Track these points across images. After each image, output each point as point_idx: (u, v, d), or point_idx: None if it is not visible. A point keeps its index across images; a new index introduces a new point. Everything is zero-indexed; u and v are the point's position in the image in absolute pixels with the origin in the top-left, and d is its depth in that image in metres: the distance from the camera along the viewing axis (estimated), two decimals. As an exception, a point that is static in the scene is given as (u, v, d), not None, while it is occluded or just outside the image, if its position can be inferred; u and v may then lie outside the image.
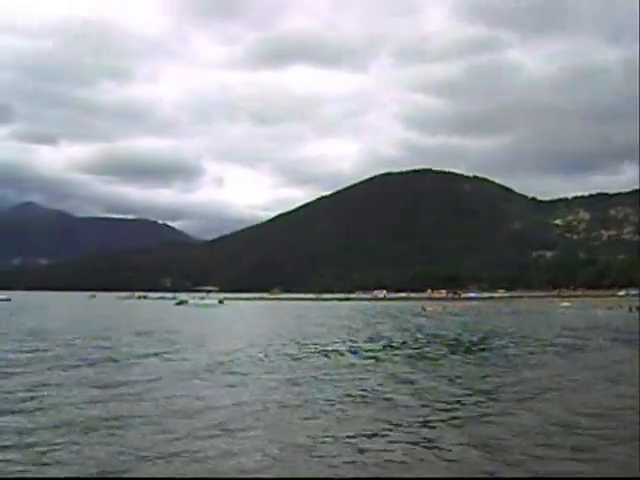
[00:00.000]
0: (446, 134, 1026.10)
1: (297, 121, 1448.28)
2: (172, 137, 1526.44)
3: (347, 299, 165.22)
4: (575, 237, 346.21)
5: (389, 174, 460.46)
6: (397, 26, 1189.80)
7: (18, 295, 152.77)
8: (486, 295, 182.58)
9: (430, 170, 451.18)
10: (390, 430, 12.10)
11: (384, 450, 10.73)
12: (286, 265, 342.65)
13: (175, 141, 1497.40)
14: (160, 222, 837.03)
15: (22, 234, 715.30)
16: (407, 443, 11.16)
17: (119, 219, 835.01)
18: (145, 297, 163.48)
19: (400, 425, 12.53)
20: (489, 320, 57.82)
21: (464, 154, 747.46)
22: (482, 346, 30.29)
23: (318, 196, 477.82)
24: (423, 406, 14.64)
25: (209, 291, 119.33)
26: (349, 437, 11.47)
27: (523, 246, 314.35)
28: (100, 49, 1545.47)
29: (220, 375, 19.48)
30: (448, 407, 14.48)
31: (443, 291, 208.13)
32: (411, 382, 18.15)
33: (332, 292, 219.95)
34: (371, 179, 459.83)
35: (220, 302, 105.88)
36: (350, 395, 15.89)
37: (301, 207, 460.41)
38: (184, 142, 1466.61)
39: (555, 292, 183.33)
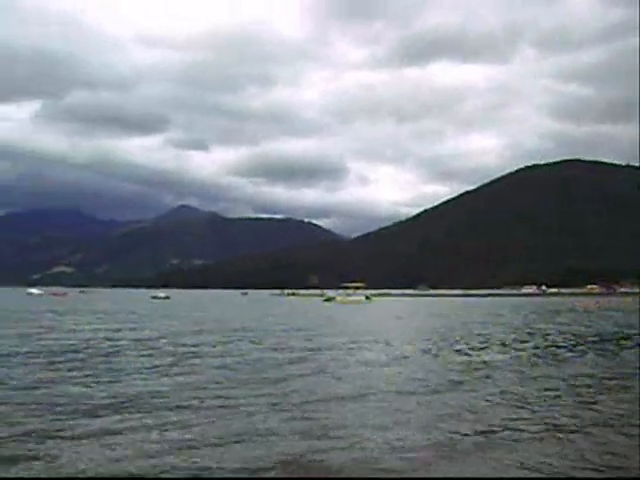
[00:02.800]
0: (593, 122, 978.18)
1: (439, 117, 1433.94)
2: (316, 138, 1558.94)
3: (495, 295, 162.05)
4: None
5: (535, 166, 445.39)
6: (538, 15, 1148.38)
7: (175, 293, 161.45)
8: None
9: (579, 160, 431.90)
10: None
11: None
12: (432, 261, 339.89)
13: (319, 142, 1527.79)
14: (306, 221, 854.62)
15: (179, 236, 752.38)
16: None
17: (268, 219, 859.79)
18: (294, 294, 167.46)
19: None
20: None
21: (614, 142, 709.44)
22: None
23: (462, 191, 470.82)
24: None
25: (356, 288, 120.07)
26: None
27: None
28: (245, 57, 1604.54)
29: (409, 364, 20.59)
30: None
31: (595, 286, 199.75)
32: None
33: (479, 288, 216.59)
34: (516, 172, 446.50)
35: (367, 298, 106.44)
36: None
37: (445, 202, 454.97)
38: (328, 142, 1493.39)
39: None
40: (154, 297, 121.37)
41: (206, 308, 75.70)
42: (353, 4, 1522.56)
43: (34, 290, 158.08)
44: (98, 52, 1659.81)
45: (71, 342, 26.28)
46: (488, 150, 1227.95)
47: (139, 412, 12.34)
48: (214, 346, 25.52)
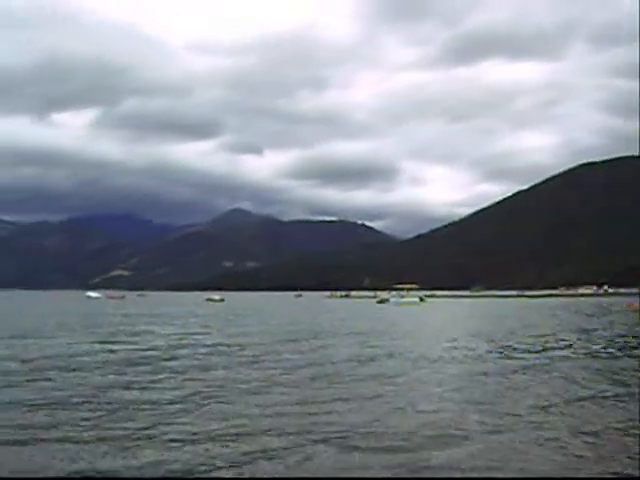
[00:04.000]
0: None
1: (491, 115, 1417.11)
2: (368, 139, 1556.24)
3: (551, 296, 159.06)
4: None
5: (590, 163, 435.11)
6: (590, 10, 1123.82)
7: (229, 296, 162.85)
8: None
9: (635, 157, 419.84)
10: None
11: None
12: (486, 262, 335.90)
13: (371, 143, 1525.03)
14: (359, 222, 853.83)
15: (232, 239, 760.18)
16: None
17: (321, 221, 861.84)
18: (347, 296, 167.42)
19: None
20: None
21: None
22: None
23: (515, 190, 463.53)
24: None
25: (409, 289, 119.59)
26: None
27: None
28: (297, 60, 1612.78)
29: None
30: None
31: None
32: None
33: (534, 289, 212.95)
34: (571, 170, 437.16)
35: (421, 300, 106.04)
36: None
37: (499, 202, 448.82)
38: (380, 144, 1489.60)
39: None
40: (208, 299, 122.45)
41: (271, 311, 75.28)
42: (402, 5, 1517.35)
43: (93, 293, 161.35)
44: (152, 60, 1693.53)
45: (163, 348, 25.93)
46: (541, 148, 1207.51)
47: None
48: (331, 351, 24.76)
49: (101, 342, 28.56)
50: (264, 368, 19.60)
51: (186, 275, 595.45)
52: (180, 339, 30.75)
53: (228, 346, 26.66)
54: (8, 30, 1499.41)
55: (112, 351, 24.59)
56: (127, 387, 15.97)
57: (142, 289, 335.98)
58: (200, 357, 22.70)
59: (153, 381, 17.01)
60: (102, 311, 67.00)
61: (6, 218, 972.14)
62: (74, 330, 36.76)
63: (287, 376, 17.92)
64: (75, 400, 14.16)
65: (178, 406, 13.59)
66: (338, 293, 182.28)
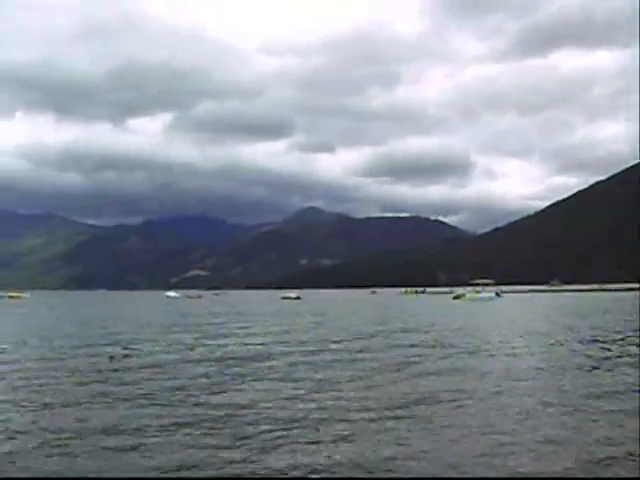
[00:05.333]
0: None
1: (565, 106, 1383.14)
2: (440, 134, 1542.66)
3: (632, 289, 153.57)
4: None
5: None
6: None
7: (304, 293, 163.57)
8: None
9: None
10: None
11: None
12: (563, 255, 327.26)
13: (443, 138, 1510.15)
14: (433, 218, 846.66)
15: (306, 237, 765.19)
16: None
17: (394, 217, 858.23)
18: (423, 292, 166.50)
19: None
20: None
21: None
22: None
23: (593, 182, 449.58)
24: None
25: (485, 284, 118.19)
26: None
27: None
28: (365, 58, 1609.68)
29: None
30: None
31: None
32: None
33: (614, 283, 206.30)
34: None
35: (497, 295, 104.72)
36: None
37: (575, 194, 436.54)
38: (452, 138, 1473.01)
39: None
40: (285, 297, 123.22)
41: (353, 308, 75.12)
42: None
43: (171, 293, 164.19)
44: (223, 64, 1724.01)
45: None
46: (619, 137, 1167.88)
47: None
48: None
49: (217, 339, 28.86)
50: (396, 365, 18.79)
51: (261, 273, 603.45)
52: (281, 335, 30.92)
53: (326, 342, 26.63)
54: (85, 39, 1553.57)
55: (231, 346, 24.86)
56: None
57: (220, 288, 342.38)
58: (308, 353, 22.33)
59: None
60: (192, 311, 67.70)
61: (90, 222, 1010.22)
62: (189, 330, 37.37)
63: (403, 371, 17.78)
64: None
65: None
66: (413, 289, 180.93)
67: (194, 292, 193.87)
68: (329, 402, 13.12)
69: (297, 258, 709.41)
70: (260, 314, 57.96)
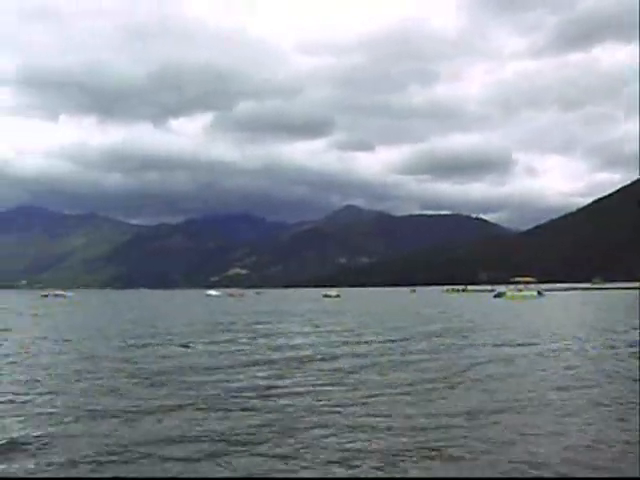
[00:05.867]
0: None
1: (606, 101, 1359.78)
2: (480, 132, 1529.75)
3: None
4: None
5: None
6: None
7: (344, 291, 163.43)
8: None
9: None
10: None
11: None
12: (606, 253, 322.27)
13: (484, 135, 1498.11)
14: (473, 216, 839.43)
15: (346, 235, 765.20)
16: None
17: (434, 215, 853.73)
18: (465, 290, 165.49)
19: None
20: None
21: None
22: None
23: (636, 178, 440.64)
24: None
25: (527, 282, 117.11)
26: None
27: None
28: (404, 55, 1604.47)
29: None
30: None
31: None
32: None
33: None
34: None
35: (539, 293, 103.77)
36: None
37: (618, 190, 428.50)
38: (493, 135, 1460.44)
39: None
40: (325, 295, 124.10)
41: (399, 305, 74.96)
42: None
43: (212, 292, 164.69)
44: (262, 64, 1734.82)
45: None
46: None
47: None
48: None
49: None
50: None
51: (299, 272, 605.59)
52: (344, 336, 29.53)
53: (384, 342, 25.72)
54: (126, 43, 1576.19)
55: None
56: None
57: (260, 286, 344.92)
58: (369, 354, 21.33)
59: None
60: (236, 310, 67.41)
61: (133, 222, 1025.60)
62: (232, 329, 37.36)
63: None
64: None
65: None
66: (454, 288, 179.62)
67: (236, 290, 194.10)
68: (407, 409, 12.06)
69: (336, 256, 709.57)
70: (306, 312, 57.42)
